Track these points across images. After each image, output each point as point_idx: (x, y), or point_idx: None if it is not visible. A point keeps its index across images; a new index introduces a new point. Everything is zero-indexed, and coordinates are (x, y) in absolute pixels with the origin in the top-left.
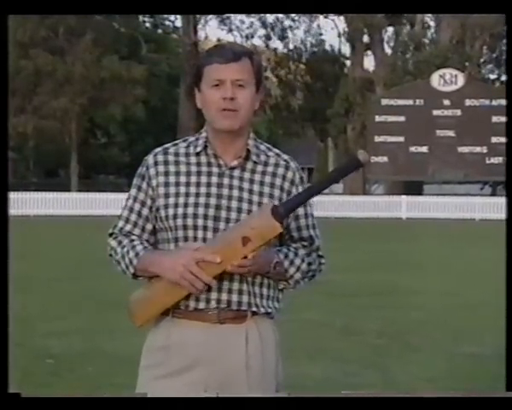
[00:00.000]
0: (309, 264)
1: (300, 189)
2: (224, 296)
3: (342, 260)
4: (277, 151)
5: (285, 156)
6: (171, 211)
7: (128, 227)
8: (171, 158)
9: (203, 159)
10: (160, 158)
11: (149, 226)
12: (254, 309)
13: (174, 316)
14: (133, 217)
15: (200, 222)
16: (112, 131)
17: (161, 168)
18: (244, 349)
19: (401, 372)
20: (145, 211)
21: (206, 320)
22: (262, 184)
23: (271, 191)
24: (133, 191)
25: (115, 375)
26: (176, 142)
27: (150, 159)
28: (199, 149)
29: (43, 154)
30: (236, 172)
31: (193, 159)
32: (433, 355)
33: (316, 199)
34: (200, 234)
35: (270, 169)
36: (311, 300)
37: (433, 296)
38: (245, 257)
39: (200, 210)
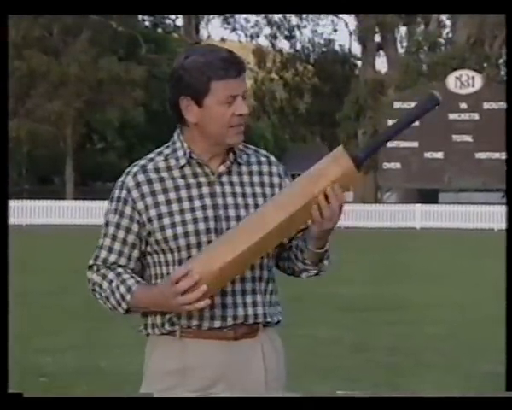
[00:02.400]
0: None
1: (287, 181)
2: (241, 312)
3: (352, 273)
4: (254, 148)
5: (263, 151)
6: (169, 232)
7: (112, 257)
8: (153, 175)
9: (187, 170)
10: (142, 178)
11: (136, 254)
12: (269, 320)
13: (183, 336)
14: (117, 246)
15: (203, 238)
16: (109, 136)
17: (146, 189)
18: (262, 364)
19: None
20: (131, 238)
21: (222, 338)
22: (252, 184)
23: (263, 190)
24: (114, 217)
25: (111, 394)
26: (150, 157)
27: (129, 180)
28: (183, 162)
29: (36, 159)
30: (225, 178)
31: (176, 172)
32: (449, 374)
33: None
34: None
35: (254, 168)
36: (319, 315)
37: (448, 311)
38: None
39: (201, 225)
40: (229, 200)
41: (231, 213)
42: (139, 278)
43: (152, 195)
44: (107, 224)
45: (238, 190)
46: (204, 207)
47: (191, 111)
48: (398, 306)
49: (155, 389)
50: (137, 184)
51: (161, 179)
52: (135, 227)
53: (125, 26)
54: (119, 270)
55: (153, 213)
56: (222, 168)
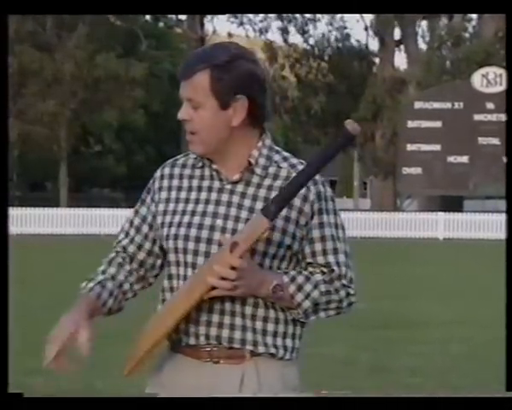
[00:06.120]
0: (326, 293)
1: (317, 206)
2: (214, 332)
3: (370, 287)
4: (294, 162)
5: (300, 168)
6: (165, 231)
7: (125, 242)
8: (176, 171)
9: (207, 171)
10: (167, 171)
11: (148, 245)
12: (249, 347)
13: (170, 349)
14: (132, 232)
15: (190, 245)
16: (107, 139)
17: (165, 182)
18: (236, 394)
19: None
20: (145, 228)
21: (198, 358)
22: (267, 200)
23: None
24: (137, 204)
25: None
26: (189, 152)
27: (158, 172)
28: (200, 163)
29: (28, 164)
30: (239, 188)
31: (197, 172)
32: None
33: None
34: (189, 258)
35: (278, 183)
36: (334, 333)
37: (474, 328)
38: (233, 268)
39: (193, 232)
40: (232, 211)
41: (229, 225)
42: (111, 288)
43: (168, 190)
44: (134, 208)
45: (247, 202)
46: (204, 214)
47: None
48: (419, 323)
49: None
50: (161, 177)
51: (181, 176)
52: (149, 218)
53: (123, 20)
54: (125, 267)
55: (161, 207)
56: (236, 177)
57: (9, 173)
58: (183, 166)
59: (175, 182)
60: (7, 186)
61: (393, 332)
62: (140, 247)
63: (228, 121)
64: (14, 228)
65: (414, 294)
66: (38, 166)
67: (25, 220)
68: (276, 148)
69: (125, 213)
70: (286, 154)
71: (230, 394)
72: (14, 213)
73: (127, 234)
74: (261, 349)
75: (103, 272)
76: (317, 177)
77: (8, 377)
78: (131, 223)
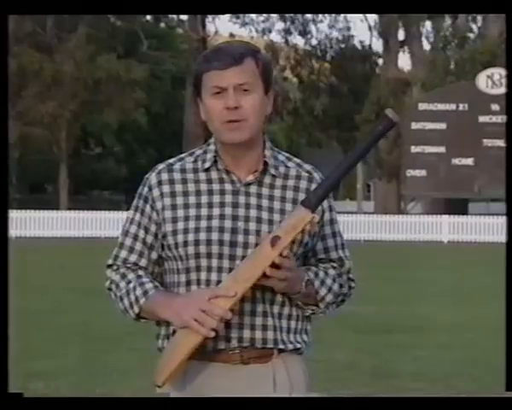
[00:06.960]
0: (340, 286)
1: (326, 203)
2: (247, 334)
3: (373, 291)
4: (298, 161)
5: (307, 167)
6: (180, 238)
7: (133, 258)
8: (176, 176)
9: (214, 175)
10: (165, 176)
11: (154, 256)
12: (281, 346)
13: (190, 357)
14: (138, 246)
15: (214, 249)
16: (107, 141)
17: (166, 188)
18: (271, 394)
19: None
20: (149, 238)
21: (228, 361)
22: (283, 200)
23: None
24: (136, 215)
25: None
26: (181, 156)
27: (153, 178)
28: (208, 164)
29: (27, 166)
30: (253, 189)
31: (202, 175)
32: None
33: (341, 219)
34: (214, 263)
35: (291, 183)
36: (336, 336)
37: (480, 333)
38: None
39: (214, 235)
40: (253, 212)
41: (252, 226)
42: (158, 284)
43: (171, 196)
44: (129, 221)
45: (265, 203)
46: (222, 217)
47: (200, 107)
48: (423, 327)
49: None
50: (159, 183)
51: (184, 181)
52: (153, 227)
53: (124, 20)
54: (140, 272)
55: (168, 214)
56: (250, 177)
57: (9, 176)
58: (182, 170)
59: (178, 187)
60: (7, 189)
61: (396, 337)
62: (150, 259)
63: (265, 108)
64: (13, 231)
65: (418, 298)
66: (38, 169)
67: (24, 223)
68: (275, 148)
69: (125, 216)
70: (286, 153)
71: (264, 394)
72: (13, 215)
73: (132, 249)
74: (290, 346)
75: (139, 277)
76: (316, 175)
77: (8, 380)
78: (136, 237)
